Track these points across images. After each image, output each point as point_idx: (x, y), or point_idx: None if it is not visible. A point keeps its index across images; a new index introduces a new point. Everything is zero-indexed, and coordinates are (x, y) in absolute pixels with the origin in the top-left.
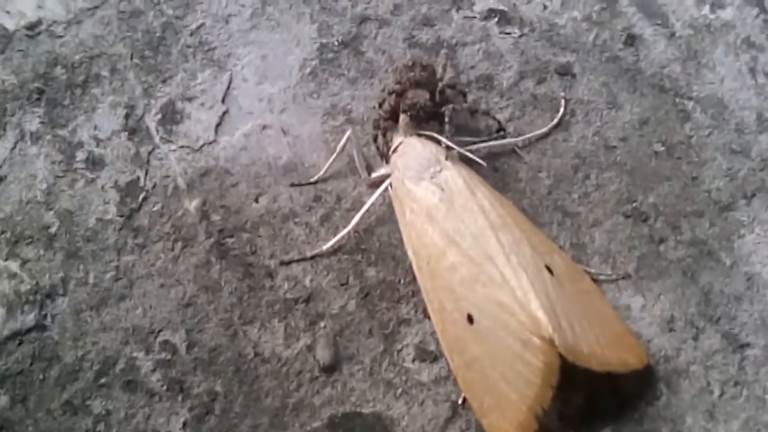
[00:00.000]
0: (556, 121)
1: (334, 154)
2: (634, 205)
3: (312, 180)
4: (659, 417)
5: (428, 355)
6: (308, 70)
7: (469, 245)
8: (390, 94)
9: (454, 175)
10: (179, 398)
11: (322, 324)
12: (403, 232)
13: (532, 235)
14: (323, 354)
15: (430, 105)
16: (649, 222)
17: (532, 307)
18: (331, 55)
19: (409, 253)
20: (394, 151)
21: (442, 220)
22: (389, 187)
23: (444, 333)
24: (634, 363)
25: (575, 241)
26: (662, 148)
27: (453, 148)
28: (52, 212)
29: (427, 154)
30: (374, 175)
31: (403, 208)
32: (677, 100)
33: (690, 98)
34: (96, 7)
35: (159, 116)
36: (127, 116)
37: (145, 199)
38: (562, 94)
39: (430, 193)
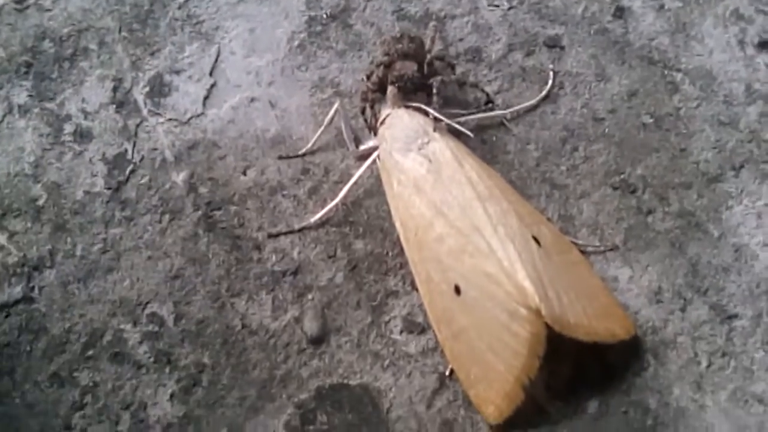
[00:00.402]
0: (544, 93)
1: (322, 127)
2: (622, 176)
3: (300, 153)
4: (646, 388)
5: (416, 326)
6: (296, 42)
7: (457, 216)
8: (378, 66)
9: (442, 147)
10: (167, 370)
11: (309, 296)
12: (391, 204)
13: (519, 206)
14: (311, 326)
15: (418, 77)
16: (637, 194)
17: (518, 277)
18: (319, 28)
19: (397, 224)
20: (382, 123)
21: (429, 191)
22: (377, 159)
23: (431, 304)
24: (622, 334)
25: (563, 213)
26: (650, 120)
27: (441, 120)
28: (39, 185)
29: (414, 125)
30: (362, 147)
31: (391, 180)
32: (666, 72)
33: (678, 70)
34: None
35: (147, 89)
36: (114, 89)
37: (132, 171)
38: (551, 66)
39: (418, 164)
